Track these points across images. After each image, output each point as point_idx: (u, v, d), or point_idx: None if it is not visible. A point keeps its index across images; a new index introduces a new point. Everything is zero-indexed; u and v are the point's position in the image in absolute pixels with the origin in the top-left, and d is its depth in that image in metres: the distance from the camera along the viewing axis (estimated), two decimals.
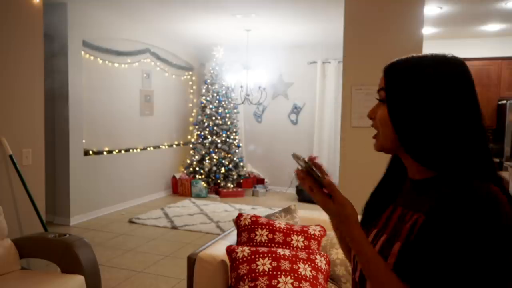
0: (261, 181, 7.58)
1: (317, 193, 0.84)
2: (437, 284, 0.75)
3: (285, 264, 1.99)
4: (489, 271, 0.73)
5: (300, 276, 1.96)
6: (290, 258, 2.03)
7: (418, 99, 0.85)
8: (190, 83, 7.72)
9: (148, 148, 6.63)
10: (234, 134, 7.29)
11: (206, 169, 7.10)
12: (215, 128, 7.17)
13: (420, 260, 0.77)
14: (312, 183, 0.85)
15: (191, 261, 2.17)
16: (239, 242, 2.24)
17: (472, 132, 0.84)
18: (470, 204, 0.75)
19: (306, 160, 0.87)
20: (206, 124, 7.20)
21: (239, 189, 7.16)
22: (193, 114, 7.75)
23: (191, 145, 7.43)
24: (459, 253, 0.74)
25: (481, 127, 0.85)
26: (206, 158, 7.15)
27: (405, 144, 0.87)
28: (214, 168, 7.11)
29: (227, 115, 7.25)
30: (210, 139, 7.16)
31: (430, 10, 4.66)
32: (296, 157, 0.88)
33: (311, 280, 1.97)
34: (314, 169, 0.85)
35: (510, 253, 0.74)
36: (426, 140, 0.84)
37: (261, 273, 1.96)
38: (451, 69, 0.86)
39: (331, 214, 0.85)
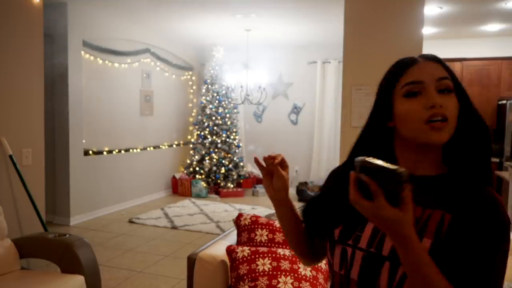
0: (261, 181, 7.56)
1: (383, 202, 0.73)
2: (475, 277, 0.81)
3: (285, 264, 1.99)
4: (503, 263, 0.84)
5: (300, 276, 1.96)
6: (290, 258, 2.03)
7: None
8: (190, 83, 7.72)
9: (148, 148, 6.62)
10: (234, 134, 7.29)
11: (206, 169, 7.10)
12: (215, 128, 7.16)
13: (458, 256, 0.82)
14: (378, 190, 0.73)
15: (191, 261, 2.17)
16: (239, 242, 2.24)
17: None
18: (496, 208, 0.84)
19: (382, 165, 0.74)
20: (206, 124, 7.20)
21: (239, 189, 7.16)
22: (193, 114, 7.75)
23: (191, 145, 7.43)
24: (490, 249, 0.82)
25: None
26: (206, 158, 7.15)
27: (458, 137, 0.90)
28: (214, 168, 7.11)
29: (227, 115, 7.25)
30: (210, 139, 7.16)
31: (430, 10, 4.66)
32: (367, 163, 0.76)
33: (311, 280, 1.97)
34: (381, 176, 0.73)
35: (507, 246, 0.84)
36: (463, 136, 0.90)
37: (261, 273, 1.96)
38: None
39: (392, 223, 0.74)
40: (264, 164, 1.00)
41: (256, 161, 1.00)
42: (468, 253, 0.82)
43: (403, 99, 0.91)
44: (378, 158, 0.82)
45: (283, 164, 1.01)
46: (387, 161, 0.75)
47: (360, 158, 0.76)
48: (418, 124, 0.88)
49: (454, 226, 0.84)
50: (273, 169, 1.00)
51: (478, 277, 0.81)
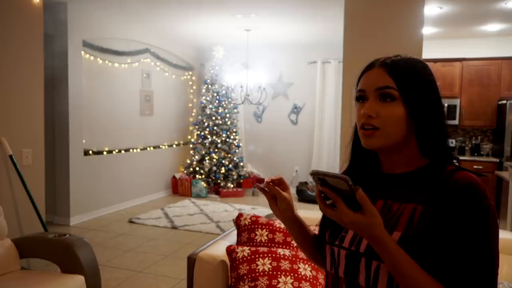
0: (261, 181, 7.57)
1: (343, 208, 0.80)
2: (462, 263, 0.81)
3: (285, 264, 1.99)
4: (494, 246, 0.83)
5: (300, 276, 1.96)
6: (290, 258, 2.03)
7: (430, 96, 0.92)
8: (190, 83, 7.72)
9: (148, 148, 6.62)
10: (234, 134, 7.29)
11: (206, 169, 7.10)
12: (215, 128, 7.17)
13: (439, 249, 0.83)
14: (336, 198, 0.80)
15: (191, 261, 2.17)
16: (239, 242, 2.24)
17: (445, 123, 0.95)
18: (472, 195, 0.84)
19: (326, 174, 0.79)
20: (206, 124, 7.20)
21: (239, 189, 7.16)
22: (193, 114, 7.75)
23: (191, 145, 7.43)
24: (476, 234, 0.82)
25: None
26: (206, 158, 7.15)
27: (421, 139, 0.93)
28: (214, 168, 7.11)
29: (227, 115, 7.25)
30: (210, 139, 7.17)
31: (430, 10, 4.66)
32: (317, 174, 0.81)
33: (311, 280, 1.97)
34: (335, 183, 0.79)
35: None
36: (437, 132, 0.93)
37: (261, 273, 1.96)
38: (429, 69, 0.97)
39: (360, 227, 0.80)
40: (267, 190, 1.05)
41: (259, 187, 1.05)
42: (452, 246, 0.82)
43: (357, 102, 0.98)
44: (365, 158, 1.02)
45: (283, 185, 1.06)
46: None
47: (313, 170, 0.81)
48: (358, 128, 0.97)
49: (426, 217, 0.86)
50: (275, 193, 1.04)
51: (468, 273, 0.81)
